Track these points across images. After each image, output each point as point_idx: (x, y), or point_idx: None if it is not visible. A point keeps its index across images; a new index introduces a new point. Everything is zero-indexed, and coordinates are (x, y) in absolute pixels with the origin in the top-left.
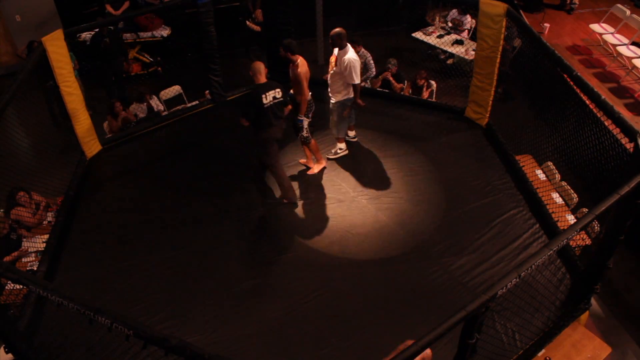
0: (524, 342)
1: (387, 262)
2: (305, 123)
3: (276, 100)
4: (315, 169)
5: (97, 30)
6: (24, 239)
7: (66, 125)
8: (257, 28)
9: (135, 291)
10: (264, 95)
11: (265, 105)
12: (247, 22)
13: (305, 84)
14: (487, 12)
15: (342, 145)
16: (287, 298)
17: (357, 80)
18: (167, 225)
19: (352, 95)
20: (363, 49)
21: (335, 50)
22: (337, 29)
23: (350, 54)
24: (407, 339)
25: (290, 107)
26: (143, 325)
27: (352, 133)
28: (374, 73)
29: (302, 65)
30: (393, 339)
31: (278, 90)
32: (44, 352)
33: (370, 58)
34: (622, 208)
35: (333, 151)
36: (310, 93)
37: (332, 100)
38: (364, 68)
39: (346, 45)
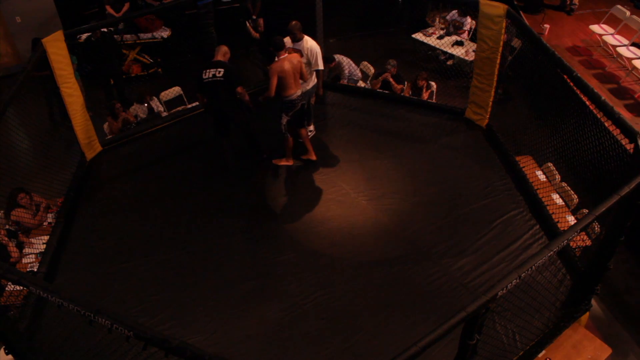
0: (524, 343)
1: (387, 263)
2: (284, 120)
3: (215, 78)
4: (279, 162)
5: (89, 34)
6: (25, 246)
7: (65, 126)
8: (255, 35)
9: (135, 292)
10: (204, 71)
11: (205, 80)
12: (247, 23)
13: (274, 80)
14: (487, 13)
15: (311, 127)
16: (287, 299)
17: (321, 66)
18: (167, 226)
19: (313, 84)
20: (339, 56)
21: (289, 43)
22: (293, 22)
23: (312, 42)
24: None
25: (240, 88)
26: (143, 326)
27: (311, 127)
28: (344, 81)
29: (281, 61)
30: (393, 340)
31: (220, 69)
32: (44, 353)
33: (347, 65)
34: (623, 209)
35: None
36: (298, 92)
37: (302, 91)
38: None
39: (303, 36)
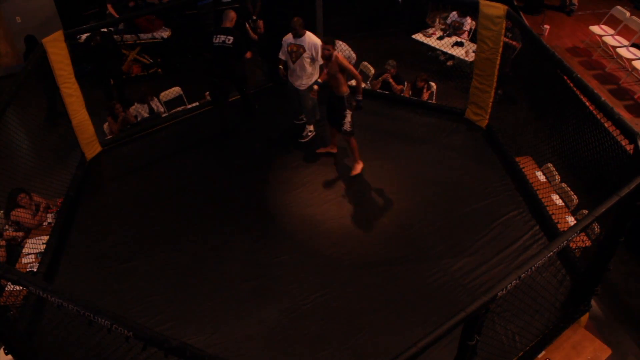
0: (524, 344)
1: (387, 263)
2: (350, 116)
3: (225, 45)
4: (357, 170)
5: (89, 34)
6: (25, 246)
7: (65, 126)
8: (254, 36)
9: (135, 292)
10: (215, 36)
11: (214, 45)
12: (247, 24)
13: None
14: (487, 13)
15: (311, 127)
16: (286, 299)
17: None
18: (167, 226)
19: (316, 77)
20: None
21: (291, 39)
22: (295, 18)
23: (314, 37)
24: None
25: (250, 54)
26: (143, 326)
27: (311, 127)
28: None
29: (339, 55)
30: (393, 340)
31: (230, 37)
32: (43, 354)
33: (345, 50)
34: (622, 210)
35: (304, 134)
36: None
37: (302, 87)
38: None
39: (305, 32)
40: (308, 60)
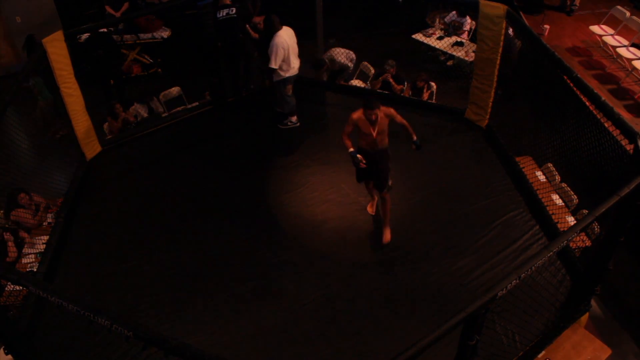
0: (524, 344)
1: (387, 263)
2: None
3: (229, 16)
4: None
5: (89, 35)
6: (25, 246)
7: (65, 126)
8: (254, 35)
9: (135, 292)
10: (218, 11)
11: (219, 19)
12: (247, 25)
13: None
14: (487, 13)
15: (293, 119)
16: (287, 299)
17: (272, 64)
18: (167, 227)
19: (290, 74)
20: (332, 52)
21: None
22: (273, 16)
23: (277, 38)
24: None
25: (258, 18)
26: (143, 326)
27: (293, 119)
28: (348, 73)
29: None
30: (393, 340)
31: (232, 8)
32: (43, 354)
33: (343, 56)
34: (622, 209)
35: (284, 121)
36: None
37: (274, 79)
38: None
39: (279, 29)
40: (269, 54)
